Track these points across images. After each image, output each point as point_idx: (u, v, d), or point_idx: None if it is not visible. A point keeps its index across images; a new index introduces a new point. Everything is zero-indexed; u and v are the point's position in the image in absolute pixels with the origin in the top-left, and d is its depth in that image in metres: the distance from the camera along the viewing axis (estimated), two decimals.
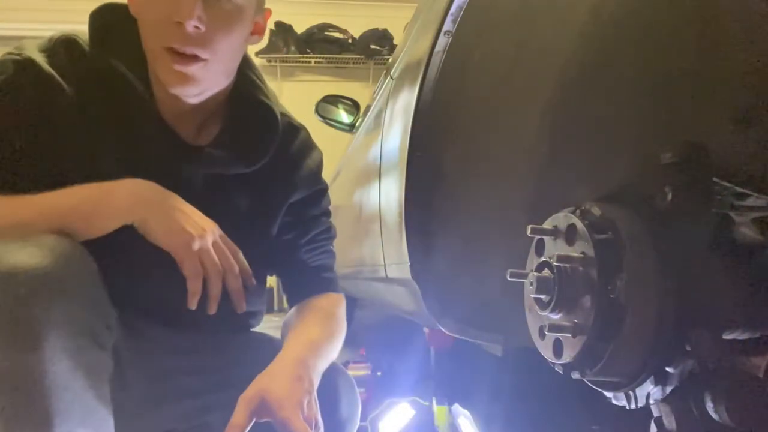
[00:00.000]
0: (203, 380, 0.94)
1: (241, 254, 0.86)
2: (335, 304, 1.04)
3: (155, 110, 0.87)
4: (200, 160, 0.89)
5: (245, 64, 0.94)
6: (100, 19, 0.87)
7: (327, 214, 1.08)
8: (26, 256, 0.66)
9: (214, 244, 0.82)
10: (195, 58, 0.80)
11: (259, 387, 0.79)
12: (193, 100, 0.86)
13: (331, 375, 0.94)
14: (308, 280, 1.04)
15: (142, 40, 0.83)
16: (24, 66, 0.81)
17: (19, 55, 0.82)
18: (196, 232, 0.80)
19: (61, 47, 0.84)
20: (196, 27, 0.77)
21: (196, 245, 0.79)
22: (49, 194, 0.77)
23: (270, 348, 0.91)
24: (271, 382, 0.80)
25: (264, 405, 0.77)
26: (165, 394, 0.90)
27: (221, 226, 0.86)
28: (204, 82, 0.83)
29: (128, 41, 0.85)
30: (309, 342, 0.92)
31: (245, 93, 0.94)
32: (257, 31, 0.90)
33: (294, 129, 1.02)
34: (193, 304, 0.80)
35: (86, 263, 0.73)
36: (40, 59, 0.82)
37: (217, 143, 0.91)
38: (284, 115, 1.00)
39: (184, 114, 0.89)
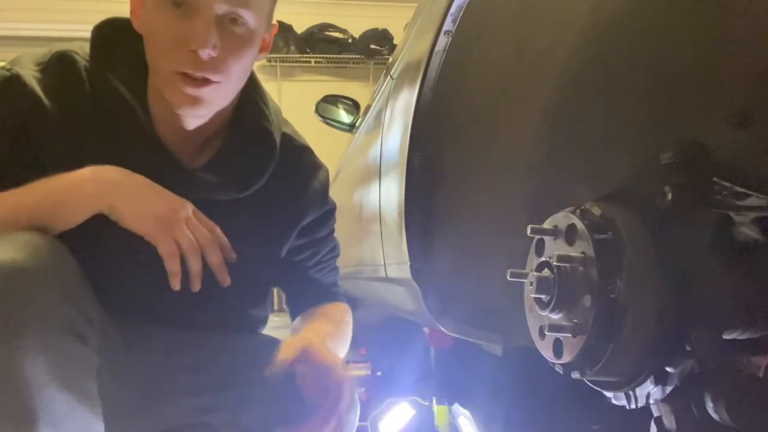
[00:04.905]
0: (202, 379, 0.93)
1: (218, 229, 0.85)
2: (344, 312, 1.06)
3: (152, 131, 0.86)
4: (191, 183, 0.88)
5: (252, 85, 0.94)
6: (102, 34, 0.87)
7: (333, 232, 1.09)
8: (1, 252, 0.66)
9: (188, 220, 0.81)
10: (207, 81, 0.80)
11: (302, 336, 0.85)
12: (198, 122, 0.86)
13: None
14: (317, 295, 1.06)
15: (149, 60, 0.83)
16: (9, 82, 0.81)
17: (9, 70, 0.82)
18: (166, 212, 0.79)
19: (57, 63, 0.84)
20: (210, 54, 0.77)
21: (168, 224, 0.78)
22: (14, 191, 0.76)
23: (272, 349, 0.91)
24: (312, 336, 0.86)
25: (307, 351, 0.82)
26: (163, 392, 0.90)
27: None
28: (213, 103, 0.84)
29: (130, 59, 0.85)
30: (326, 333, 0.93)
31: (247, 117, 0.93)
32: (264, 48, 0.89)
33: (298, 150, 1.01)
34: (175, 284, 0.79)
35: (62, 257, 0.73)
36: (29, 75, 0.82)
37: (210, 167, 0.90)
38: (288, 135, 0.99)
39: (183, 136, 0.88)
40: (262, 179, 0.93)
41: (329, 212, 1.05)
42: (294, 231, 1.00)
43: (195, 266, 0.81)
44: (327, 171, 1.05)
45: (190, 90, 0.80)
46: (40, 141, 0.82)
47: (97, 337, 0.76)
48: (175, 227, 0.79)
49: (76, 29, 3.23)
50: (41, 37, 3.60)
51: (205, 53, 0.77)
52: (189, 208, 0.82)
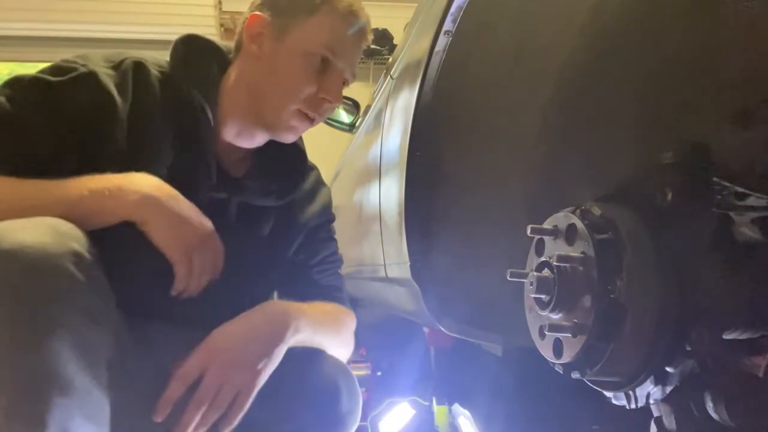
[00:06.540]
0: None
1: (222, 253, 0.90)
2: (342, 312, 1.07)
3: (212, 140, 0.93)
4: (237, 191, 0.96)
5: None
6: (185, 47, 0.95)
7: (334, 240, 1.13)
8: (29, 234, 0.68)
9: (211, 248, 0.86)
10: (312, 121, 0.96)
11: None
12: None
13: (330, 368, 0.95)
14: (316, 294, 1.06)
15: (266, 87, 0.93)
16: (85, 76, 0.84)
17: (84, 65, 0.85)
18: (193, 241, 0.84)
19: (130, 67, 0.89)
20: (336, 106, 0.95)
21: (191, 251, 0.83)
22: (57, 182, 0.78)
23: None
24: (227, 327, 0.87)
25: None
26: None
27: (245, 252, 0.94)
28: None
29: (206, 74, 0.95)
30: (300, 306, 0.95)
31: None
32: None
33: (311, 167, 1.11)
34: (176, 292, 0.85)
35: (85, 244, 0.74)
36: (103, 73, 0.86)
37: (252, 176, 0.99)
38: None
39: (233, 147, 0.97)
40: (297, 188, 1.04)
41: (330, 221, 1.13)
42: (299, 236, 1.06)
43: (197, 287, 0.86)
44: (329, 189, 1.15)
45: (301, 125, 0.95)
46: (104, 135, 0.85)
47: (112, 328, 0.77)
48: (195, 254, 0.84)
49: (79, 30, 3.23)
50: (44, 38, 3.60)
51: (334, 105, 0.95)
52: (213, 234, 0.87)
